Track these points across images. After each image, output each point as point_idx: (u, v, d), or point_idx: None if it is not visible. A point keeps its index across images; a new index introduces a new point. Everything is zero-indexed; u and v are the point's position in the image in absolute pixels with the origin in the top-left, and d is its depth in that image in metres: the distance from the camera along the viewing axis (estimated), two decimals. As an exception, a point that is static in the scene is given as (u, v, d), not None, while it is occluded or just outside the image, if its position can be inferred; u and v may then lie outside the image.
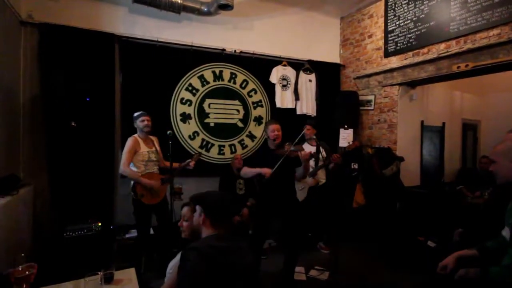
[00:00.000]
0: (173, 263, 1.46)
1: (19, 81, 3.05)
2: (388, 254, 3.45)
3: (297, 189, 3.33)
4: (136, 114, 2.88)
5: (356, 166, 3.97)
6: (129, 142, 2.80)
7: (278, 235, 2.98)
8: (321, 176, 3.58)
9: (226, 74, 4.06)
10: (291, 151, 2.67)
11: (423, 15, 3.54)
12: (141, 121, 2.82)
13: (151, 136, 2.98)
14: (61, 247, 2.78)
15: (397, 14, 3.86)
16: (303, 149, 2.74)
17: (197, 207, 1.37)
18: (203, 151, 3.93)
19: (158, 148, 2.99)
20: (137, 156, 2.80)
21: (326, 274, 3.13)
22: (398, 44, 3.86)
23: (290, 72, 4.42)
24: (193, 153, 3.83)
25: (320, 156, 3.37)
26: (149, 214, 2.86)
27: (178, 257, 1.38)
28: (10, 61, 2.83)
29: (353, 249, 3.68)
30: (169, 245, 2.83)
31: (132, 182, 2.79)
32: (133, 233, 3.23)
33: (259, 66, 4.22)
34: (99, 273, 1.60)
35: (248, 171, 2.73)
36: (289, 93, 4.42)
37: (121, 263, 2.87)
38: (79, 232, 2.84)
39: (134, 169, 2.81)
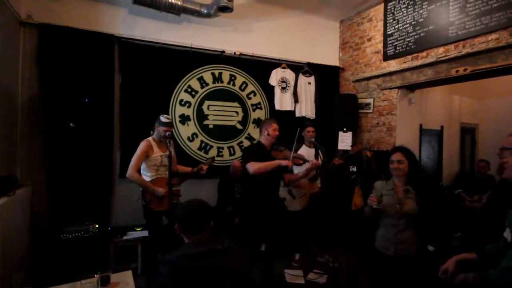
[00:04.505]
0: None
1: (18, 81, 3.03)
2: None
3: (297, 196, 3.31)
4: (163, 120, 2.74)
5: (355, 169, 3.97)
6: (142, 146, 2.71)
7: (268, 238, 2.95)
8: (317, 181, 3.56)
9: (226, 76, 4.06)
10: (294, 157, 2.65)
11: (422, 19, 3.56)
12: (164, 130, 2.72)
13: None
14: (57, 249, 2.76)
15: (396, 18, 3.88)
16: (304, 159, 2.73)
17: None
18: (201, 153, 3.92)
19: (172, 152, 2.89)
20: (149, 160, 2.72)
21: (325, 277, 3.12)
22: (397, 48, 3.87)
23: (289, 74, 4.43)
24: (193, 156, 3.85)
25: (319, 160, 3.34)
26: (159, 217, 2.79)
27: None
28: (9, 61, 2.82)
29: (351, 252, 3.67)
30: (174, 247, 2.81)
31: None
32: (131, 235, 3.21)
33: (258, 68, 4.23)
34: (95, 275, 1.59)
35: (264, 166, 2.53)
36: (288, 95, 4.43)
37: (118, 266, 2.88)
38: (76, 234, 2.82)
39: (145, 173, 2.75)
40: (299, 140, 3.59)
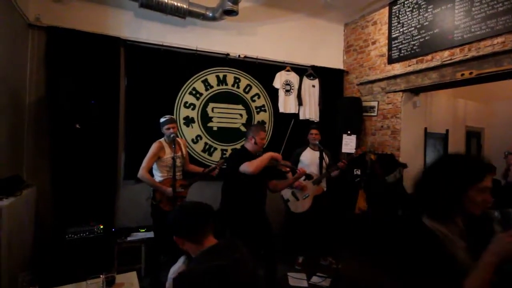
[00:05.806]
0: (175, 268, 1.45)
1: (25, 82, 3.08)
2: (390, 261, 3.42)
3: (300, 198, 3.30)
4: (162, 120, 2.82)
5: (359, 172, 3.96)
6: (153, 147, 2.77)
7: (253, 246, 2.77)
8: (323, 184, 3.55)
9: (230, 79, 4.08)
10: (282, 165, 2.63)
11: (427, 23, 3.55)
12: (167, 129, 2.78)
13: (178, 139, 2.96)
14: (62, 249, 2.78)
15: (401, 21, 3.88)
16: (291, 166, 2.73)
17: None
18: (205, 155, 3.93)
19: (184, 152, 2.95)
20: (161, 161, 2.79)
21: (328, 281, 3.10)
22: (402, 51, 3.87)
23: (293, 77, 4.44)
24: (197, 158, 3.86)
25: (324, 163, 3.34)
26: (165, 217, 2.83)
27: (180, 261, 1.37)
28: (17, 62, 2.86)
29: (355, 255, 3.65)
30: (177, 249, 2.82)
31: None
32: (135, 236, 3.22)
33: (262, 71, 4.24)
34: (100, 276, 1.60)
35: (260, 162, 2.39)
36: (292, 98, 4.43)
37: (121, 267, 2.89)
38: (81, 234, 2.84)
39: (158, 173, 2.81)
40: (305, 143, 3.59)
